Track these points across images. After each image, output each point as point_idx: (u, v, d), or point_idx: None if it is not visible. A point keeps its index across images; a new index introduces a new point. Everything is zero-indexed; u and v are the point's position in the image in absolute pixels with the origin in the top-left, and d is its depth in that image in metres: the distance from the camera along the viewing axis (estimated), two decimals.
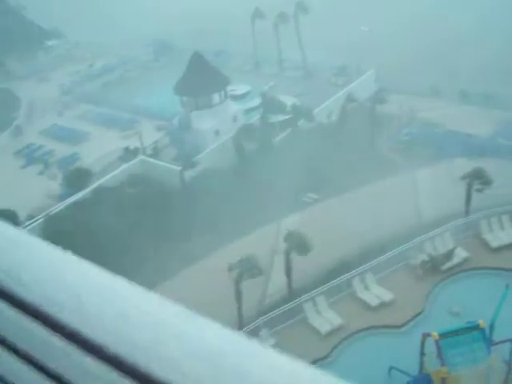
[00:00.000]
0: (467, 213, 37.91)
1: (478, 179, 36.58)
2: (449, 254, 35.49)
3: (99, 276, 1.36)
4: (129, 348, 1.18)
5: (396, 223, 38.14)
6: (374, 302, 33.40)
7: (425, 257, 35.54)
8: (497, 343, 27.05)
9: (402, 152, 48.07)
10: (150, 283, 35.86)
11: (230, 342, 1.14)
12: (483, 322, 26.69)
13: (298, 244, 32.35)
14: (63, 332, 1.26)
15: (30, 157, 54.10)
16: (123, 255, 37.68)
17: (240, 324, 32.00)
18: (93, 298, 1.28)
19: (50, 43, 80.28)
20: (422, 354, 27.43)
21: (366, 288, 34.55)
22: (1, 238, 1.51)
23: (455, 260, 35.42)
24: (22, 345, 1.34)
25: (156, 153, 49.56)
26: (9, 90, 67.64)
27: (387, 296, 33.55)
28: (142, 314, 1.24)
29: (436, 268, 34.98)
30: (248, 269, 30.44)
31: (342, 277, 34.35)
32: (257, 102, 53.25)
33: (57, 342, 1.27)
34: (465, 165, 39.70)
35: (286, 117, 50.23)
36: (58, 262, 1.43)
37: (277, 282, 34.76)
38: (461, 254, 35.81)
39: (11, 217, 41.11)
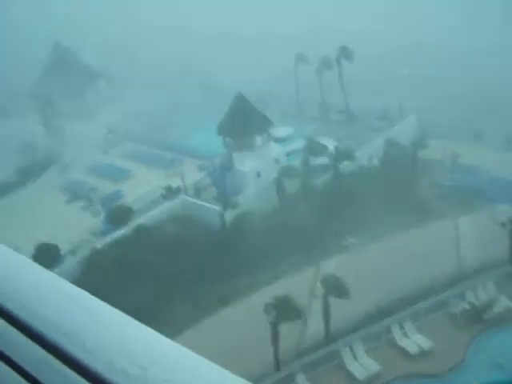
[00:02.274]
0: (511, 261, 37.12)
1: None
2: (491, 303, 34.70)
3: (167, 347, 1.28)
4: None
5: (437, 270, 37.54)
6: (412, 349, 32.73)
7: (466, 305, 34.83)
8: None
9: (444, 197, 47.51)
10: (186, 322, 35.98)
11: None
12: None
13: (336, 288, 32.08)
14: None
15: (75, 193, 55.33)
16: (162, 293, 37.92)
17: (276, 367, 31.69)
18: (161, 372, 1.21)
19: (98, 83, 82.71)
20: None
21: (405, 335, 33.92)
22: (64, 297, 1.48)
23: (498, 309, 34.57)
24: None
25: (197, 192, 50.07)
26: (58, 128, 69.58)
27: (427, 344, 32.85)
28: None
29: (478, 317, 34.19)
30: (285, 311, 30.24)
31: (380, 322, 33.85)
32: (299, 144, 53.51)
33: None
34: (508, 211, 39.05)
35: (328, 160, 50.30)
36: (122, 328, 1.36)
37: (314, 325, 34.40)
38: (504, 303, 34.95)
39: (53, 251, 41.91)
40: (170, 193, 49.39)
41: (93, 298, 1.50)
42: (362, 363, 32.30)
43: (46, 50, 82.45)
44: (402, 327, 34.16)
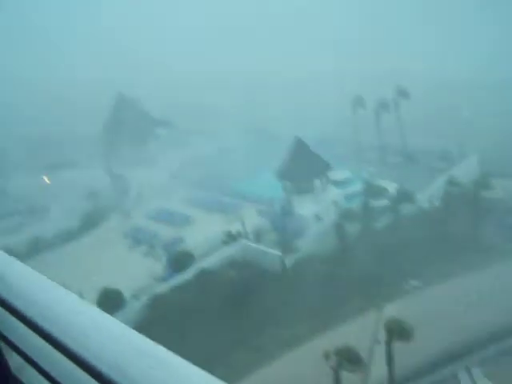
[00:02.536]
0: None
1: None
2: None
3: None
4: None
5: (504, 312, 36.36)
6: None
7: None
8: None
9: (510, 238, 46.26)
10: (248, 367, 35.86)
11: None
12: None
13: (399, 332, 31.44)
14: None
15: (137, 238, 56.44)
16: (223, 338, 37.97)
17: None
18: None
19: (159, 131, 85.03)
20: None
21: (473, 382, 32.77)
22: (130, 347, 1.44)
23: None
24: None
25: (257, 237, 50.30)
26: (121, 175, 71.63)
27: None
28: None
29: None
30: (347, 356, 29.79)
31: (446, 368, 32.87)
32: (357, 187, 53.41)
33: None
34: None
35: (388, 202, 49.92)
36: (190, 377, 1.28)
37: (378, 371, 33.68)
38: None
39: (116, 296, 42.70)
40: (231, 238, 49.84)
41: (150, 342, 1.50)
42: None
43: (110, 100, 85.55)
44: (469, 373, 33.07)
